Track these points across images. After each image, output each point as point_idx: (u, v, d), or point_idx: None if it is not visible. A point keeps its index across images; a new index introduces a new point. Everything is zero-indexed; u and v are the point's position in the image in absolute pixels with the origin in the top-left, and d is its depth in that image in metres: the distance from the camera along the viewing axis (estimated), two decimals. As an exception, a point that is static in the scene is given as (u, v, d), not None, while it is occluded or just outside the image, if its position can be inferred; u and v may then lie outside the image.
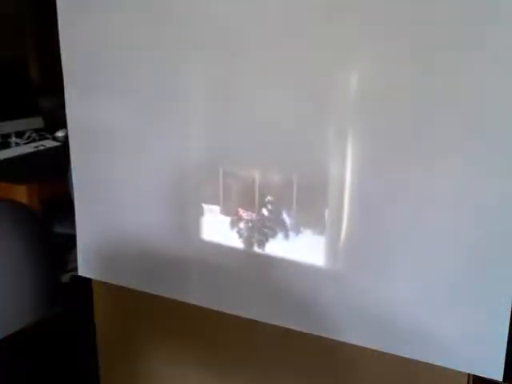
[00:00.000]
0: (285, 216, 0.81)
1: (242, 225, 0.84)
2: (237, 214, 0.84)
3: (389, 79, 0.71)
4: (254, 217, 0.83)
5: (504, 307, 0.70)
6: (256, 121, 0.80)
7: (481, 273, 0.71)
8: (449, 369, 0.76)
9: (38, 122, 2.27)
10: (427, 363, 0.77)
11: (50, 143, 2.14)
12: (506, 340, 0.71)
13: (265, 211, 0.82)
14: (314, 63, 0.75)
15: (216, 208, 0.86)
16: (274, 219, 0.81)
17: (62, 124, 1.03)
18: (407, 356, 0.78)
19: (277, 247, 0.83)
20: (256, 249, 0.84)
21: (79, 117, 0.96)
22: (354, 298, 0.79)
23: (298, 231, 0.80)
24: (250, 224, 0.83)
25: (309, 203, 0.80)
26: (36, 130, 2.22)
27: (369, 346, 0.81)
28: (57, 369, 1.26)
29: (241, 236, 0.85)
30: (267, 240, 0.83)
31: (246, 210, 0.83)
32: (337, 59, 0.74)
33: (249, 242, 0.84)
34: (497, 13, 0.63)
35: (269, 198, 0.81)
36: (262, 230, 0.83)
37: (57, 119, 2.11)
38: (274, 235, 0.82)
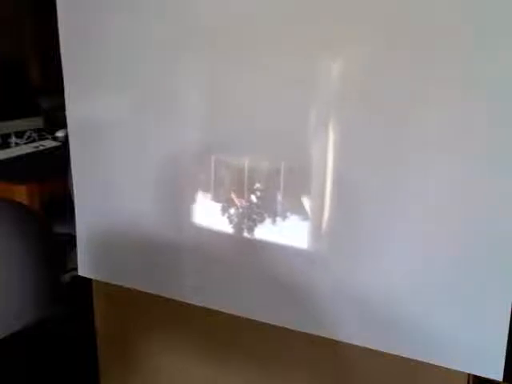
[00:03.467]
0: (273, 202, 0.82)
1: (232, 211, 0.85)
2: (228, 200, 0.85)
3: (377, 66, 0.71)
4: (243, 203, 0.84)
5: (504, 307, 0.70)
6: (247, 110, 0.81)
7: (481, 272, 0.71)
8: (449, 369, 0.76)
9: (38, 122, 2.27)
10: (427, 363, 0.77)
11: (50, 143, 2.14)
12: (505, 340, 0.71)
13: (254, 198, 0.83)
14: (299, 51, 0.75)
15: (209, 195, 0.87)
16: (263, 205, 0.83)
17: (62, 124, 1.03)
18: (407, 356, 0.78)
19: (265, 232, 0.84)
20: (246, 234, 0.85)
21: (79, 112, 0.96)
22: (346, 288, 0.79)
23: (285, 216, 0.82)
24: (240, 210, 0.85)
25: (295, 189, 0.81)
26: (36, 130, 2.22)
27: (368, 346, 0.81)
28: (57, 369, 1.26)
29: (231, 222, 0.86)
30: (256, 226, 0.84)
31: (237, 196, 0.85)
32: (323, 47, 0.74)
33: (239, 228, 0.86)
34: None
35: (257, 185, 0.82)
36: (251, 217, 0.84)
37: (57, 119, 2.11)
38: (262, 221, 0.83)
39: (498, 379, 0.73)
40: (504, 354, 0.72)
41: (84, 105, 0.95)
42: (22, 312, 0.78)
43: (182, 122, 0.87)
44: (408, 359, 0.78)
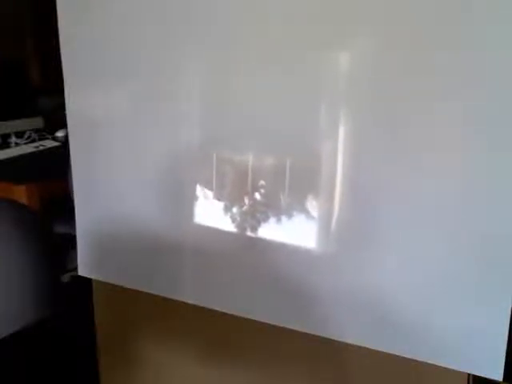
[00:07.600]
0: (277, 200, 0.81)
1: (235, 210, 0.85)
2: (231, 199, 0.85)
3: (383, 63, 0.70)
4: (247, 201, 0.83)
5: (504, 307, 0.70)
6: (249, 106, 0.81)
7: (481, 272, 0.71)
8: (449, 369, 0.76)
9: (38, 122, 2.27)
10: (427, 363, 0.77)
11: (50, 143, 2.14)
12: (506, 340, 0.71)
13: (258, 196, 0.82)
14: (305, 47, 0.75)
15: (210, 193, 0.87)
16: (267, 203, 0.82)
17: (62, 124, 1.03)
18: (407, 356, 0.78)
19: (269, 232, 0.83)
20: (249, 234, 0.84)
21: (78, 112, 0.96)
22: (350, 289, 0.79)
23: (290, 215, 0.81)
24: (243, 209, 0.84)
25: (301, 187, 0.80)
26: (36, 130, 2.22)
27: (369, 346, 0.81)
28: (57, 369, 1.26)
29: (234, 221, 0.85)
30: (260, 225, 0.83)
31: (240, 195, 0.84)
32: (329, 43, 0.74)
33: (242, 227, 0.85)
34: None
35: (262, 182, 0.82)
36: (255, 215, 0.83)
37: (57, 119, 2.11)
38: (266, 220, 0.82)
39: (498, 379, 0.73)
40: (504, 354, 0.72)
41: (84, 104, 0.95)
42: (22, 312, 0.78)
43: (183, 119, 0.86)
44: (408, 359, 0.78)
